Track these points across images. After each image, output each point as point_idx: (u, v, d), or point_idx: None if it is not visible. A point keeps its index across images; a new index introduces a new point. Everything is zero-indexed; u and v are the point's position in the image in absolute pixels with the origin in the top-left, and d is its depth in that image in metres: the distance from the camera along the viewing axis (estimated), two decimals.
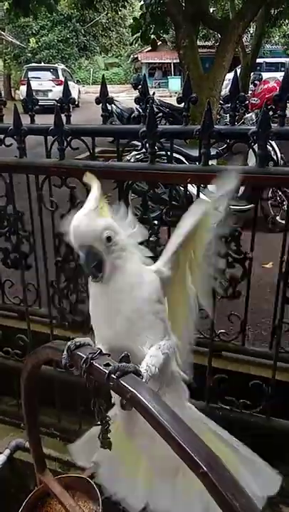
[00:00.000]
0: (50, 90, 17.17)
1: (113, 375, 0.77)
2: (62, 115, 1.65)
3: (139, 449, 1.12)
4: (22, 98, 2.02)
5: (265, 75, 9.29)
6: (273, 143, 4.03)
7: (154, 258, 1.08)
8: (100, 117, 1.66)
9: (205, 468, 0.58)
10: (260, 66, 16.31)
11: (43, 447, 1.29)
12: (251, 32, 16.39)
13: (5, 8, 10.93)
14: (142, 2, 9.71)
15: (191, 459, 0.59)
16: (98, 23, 24.42)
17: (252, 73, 10.77)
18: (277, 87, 1.51)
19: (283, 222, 1.89)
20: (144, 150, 1.56)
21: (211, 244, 1.05)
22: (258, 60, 14.42)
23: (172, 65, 29.32)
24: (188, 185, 1.56)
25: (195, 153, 1.93)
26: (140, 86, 1.58)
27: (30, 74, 16.72)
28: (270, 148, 3.96)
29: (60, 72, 18.53)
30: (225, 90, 7.35)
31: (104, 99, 1.60)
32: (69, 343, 0.91)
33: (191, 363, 1.10)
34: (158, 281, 1.00)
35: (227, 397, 1.68)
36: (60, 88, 1.92)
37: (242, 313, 1.75)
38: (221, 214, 1.02)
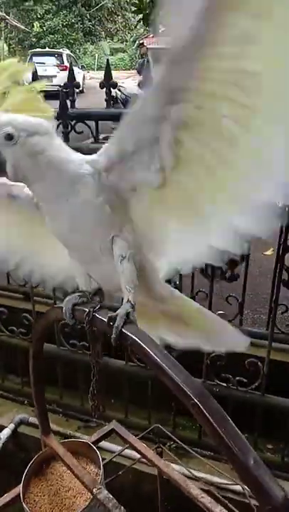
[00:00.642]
0: (55, 76, 16.95)
1: (113, 323, 0.85)
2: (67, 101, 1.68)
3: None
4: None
5: None
6: None
7: None
8: (104, 102, 1.70)
9: (195, 400, 0.71)
10: None
11: None
12: None
13: None
14: None
15: (184, 393, 0.72)
16: (104, 7, 24.11)
17: None
18: None
19: None
20: None
21: None
22: None
23: None
24: None
25: None
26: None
27: (35, 59, 16.53)
28: None
29: (64, 58, 18.29)
30: None
31: (108, 83, 1.64)
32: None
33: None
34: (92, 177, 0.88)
35: (223, 375, 1.74)
36: (65, 74, 1.94)
37: (240, 296, 1.80)
38: None
